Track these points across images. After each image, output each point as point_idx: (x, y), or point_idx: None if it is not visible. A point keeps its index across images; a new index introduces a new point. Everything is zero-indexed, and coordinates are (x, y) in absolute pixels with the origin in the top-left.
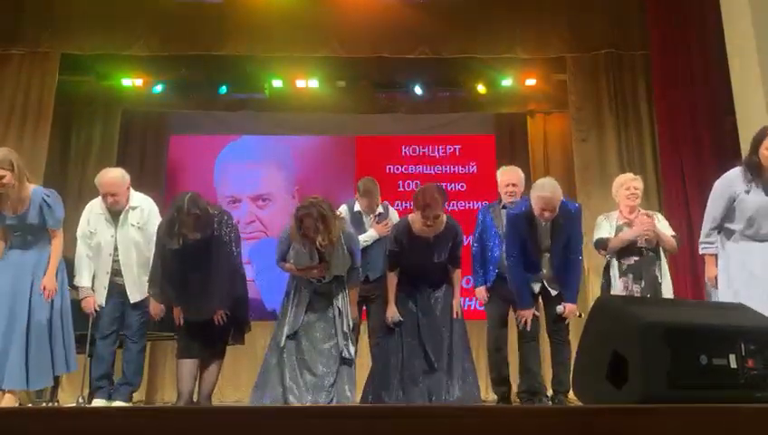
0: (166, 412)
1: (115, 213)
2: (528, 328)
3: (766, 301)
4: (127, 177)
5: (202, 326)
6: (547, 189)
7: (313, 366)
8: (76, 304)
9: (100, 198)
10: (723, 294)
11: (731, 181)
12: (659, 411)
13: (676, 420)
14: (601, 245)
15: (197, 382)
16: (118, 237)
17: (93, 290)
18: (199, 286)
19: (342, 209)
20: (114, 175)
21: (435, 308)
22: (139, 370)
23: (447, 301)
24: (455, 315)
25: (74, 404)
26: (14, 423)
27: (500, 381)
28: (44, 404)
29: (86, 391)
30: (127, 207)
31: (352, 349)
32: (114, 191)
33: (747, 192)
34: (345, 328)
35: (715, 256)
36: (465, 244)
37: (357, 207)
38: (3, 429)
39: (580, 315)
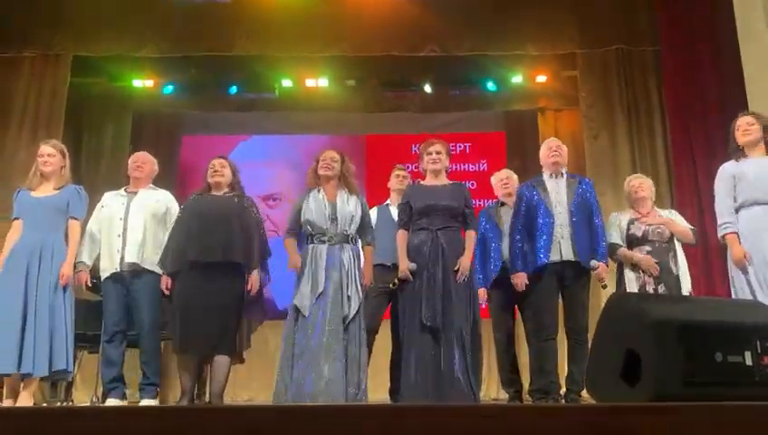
0: (176, 411)
1: (131, 194)
2: (520, 289)
3: None
4: (157, 167)
5: (200, 320)
6: (552, 139)
7: (323, 362)
8: (88, 305)
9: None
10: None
11: (727, 169)
12: (673, 410)
13: (691, 418)
14: (611, 250)
15: (208, 381)
16: (131, 207)
17: (102, 269)
18: (220, 234)
19: (372, 212)
20: (147, 153)
21: (449, 284)
22: (158, 370)
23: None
24: (455, 269)
25: (88, 404)
26: (28, 423)
27: (509, 382)
28: (59, 404)
29: (100, 391)
30: (143, 189)
31: (355, 304)
32: (144, 160)
33: (743, 167)
34: (349, 292)
35: (737, 234)
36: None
37: (387, 201)
38: (18, 428)
39: (604, 287)
